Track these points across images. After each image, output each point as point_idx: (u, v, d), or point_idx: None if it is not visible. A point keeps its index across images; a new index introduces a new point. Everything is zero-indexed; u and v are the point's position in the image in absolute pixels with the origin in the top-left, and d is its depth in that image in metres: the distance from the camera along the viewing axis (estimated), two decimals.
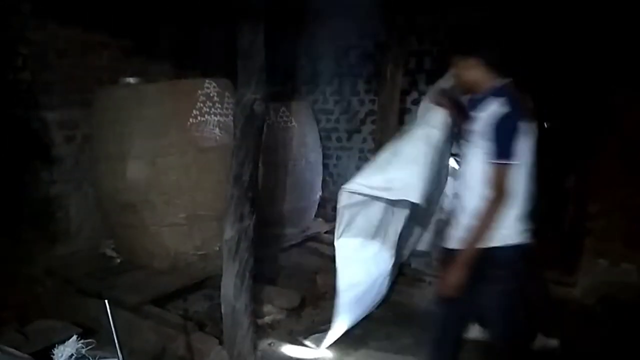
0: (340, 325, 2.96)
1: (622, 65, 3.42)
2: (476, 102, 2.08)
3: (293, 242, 4.50)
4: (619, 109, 3.56)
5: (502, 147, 1.93)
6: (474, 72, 2.08)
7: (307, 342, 3.09)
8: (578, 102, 3.60)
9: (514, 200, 1.99)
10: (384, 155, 2.58)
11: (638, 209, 3.55)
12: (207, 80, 3.57)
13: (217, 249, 3.43)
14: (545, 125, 3.39)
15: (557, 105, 3.50)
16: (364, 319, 3.15)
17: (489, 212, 1.97)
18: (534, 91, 2.25)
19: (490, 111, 1.97)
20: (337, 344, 3.01)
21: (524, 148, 1.98)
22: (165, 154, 3.46)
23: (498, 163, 1.94)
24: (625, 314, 3.27)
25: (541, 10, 3.62)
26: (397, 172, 2.45)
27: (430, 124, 2.50)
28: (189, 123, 3.47)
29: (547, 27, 3.65)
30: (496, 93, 2.00)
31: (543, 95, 2.93)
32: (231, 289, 2.58)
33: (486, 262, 2.01)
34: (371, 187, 2.52)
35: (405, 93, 4.53)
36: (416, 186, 2.40)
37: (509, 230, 2.01)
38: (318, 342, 3.05)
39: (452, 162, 2.83)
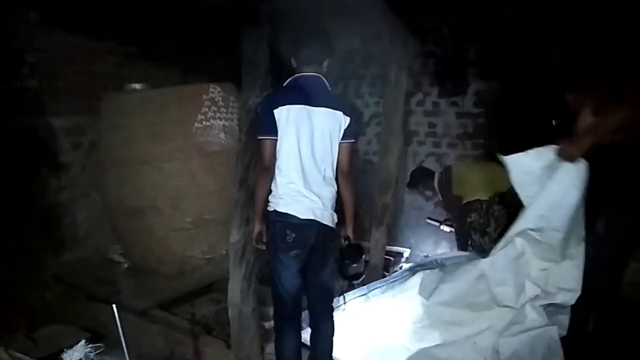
0: None
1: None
2: None
3: None
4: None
5: (257, 125, 2.34)
6: None
7: None
8: None
9: (281, 172, 2.28)
10: None
11: None
12: (211, 85, 3.59)
13: (224, 252, 3.44)
14: (554, 123, 3.38)
15: (563, 103, 3.49)
16: None
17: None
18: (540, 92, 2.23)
19: None
20: None
21: (290, 129, 2.24)
22: (171, 159, 3.48)
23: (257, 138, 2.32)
24: (636, 313, 3.23)
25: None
26: None
27: None
28: (194, 128, 3.49)
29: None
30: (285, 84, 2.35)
31: (550, 95, 2.93)
32: (238, 292, 2.58)
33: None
34: None
35: (409, 95, 4.53)
36: None
37: (275, 199, 2.32)
38: None
39: None
